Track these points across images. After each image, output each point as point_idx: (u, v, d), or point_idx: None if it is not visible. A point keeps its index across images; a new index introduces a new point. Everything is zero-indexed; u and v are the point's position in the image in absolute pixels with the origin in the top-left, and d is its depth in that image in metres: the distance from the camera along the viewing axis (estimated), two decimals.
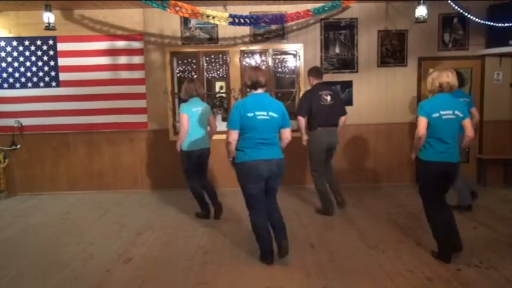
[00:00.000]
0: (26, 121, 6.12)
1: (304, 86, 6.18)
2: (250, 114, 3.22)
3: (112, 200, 5.79)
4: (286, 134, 3.44)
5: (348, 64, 6.21)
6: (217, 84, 8.23)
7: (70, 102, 6.11)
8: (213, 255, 3.68)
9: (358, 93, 6.22)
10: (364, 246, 3.80)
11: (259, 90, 3.38)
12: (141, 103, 6.15)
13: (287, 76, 7.04)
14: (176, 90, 6.26)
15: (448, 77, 3.28)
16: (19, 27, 6.05)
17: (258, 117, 3.23)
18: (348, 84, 6.22)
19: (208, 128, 4.73)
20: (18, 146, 6.18)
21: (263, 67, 6.22)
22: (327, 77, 6.19)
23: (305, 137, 4.79)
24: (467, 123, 3.32)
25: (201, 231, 4.33)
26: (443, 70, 3.33)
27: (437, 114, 3.25)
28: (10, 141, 6.14)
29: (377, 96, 6.23)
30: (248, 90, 3.46)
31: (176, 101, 6.31)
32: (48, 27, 5.25)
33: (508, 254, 3.56)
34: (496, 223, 4.40)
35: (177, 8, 4.88)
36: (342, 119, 4.84)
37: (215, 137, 4.91)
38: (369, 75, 6.21)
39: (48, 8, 5.19)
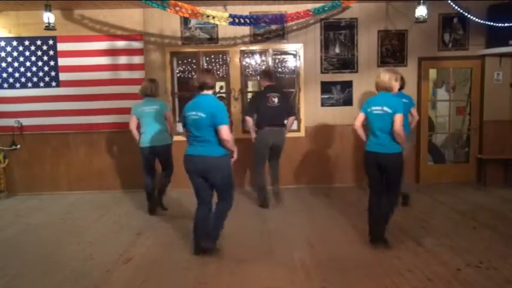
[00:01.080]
0: (26, 121, 6.12)
1: (304, 85, 6.18)
2: (186, 114, 3.54)
3: (112, 200, 5.79)
4: (220, 133, 3.44)
5: (348, 64, 6.21)
6: (217, 84, 8.21)
7: (70, 102, 6.11)
8: (213, 255, 3.67)
9: (358, 93, 6.22)
10: (364, 246, 3.79)
11: (205, 92, 3.56)
12: None
13: (287, 76, 7.03)
14: (176, 90, 6.27)
15: (379, 78, 3.68)
16: (19, 27, 6.05)
17: (190, 117, 3.51)
18: (348, 84, 6.22)
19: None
20: (18, 146, 6.18)
21: (263, 67, 6.22)
22: (327, 77, 6.21)
23: (253, 135, 5.11)
24: (395, 118, 3.56)
25: None
26: (382, 72, 3.72)
27: (369, 110, 3.69)
28: (10, 141, 6.14)
29: None
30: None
31: (176, 101, 6.31)
32: (48, 27, 5.25)
33: (508, 254, 3.56)
34: (496, 223, 4.40)
35: (177, 8, 4.88)
36: (290, 119, 5.14)
37: None
38: (369, 75, 6.19)
39: (48, 8, 5.19)
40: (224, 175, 3.56)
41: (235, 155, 3.61)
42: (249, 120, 5.06)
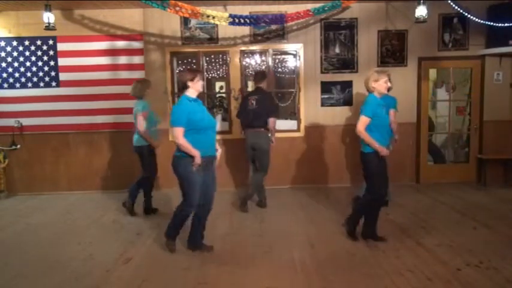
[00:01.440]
0: (26, 121, 6.12)
1: (304, 85, 6.18)
2: None
3: (112, 200, 5.79)
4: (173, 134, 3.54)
5: (348, 64, 6.21)
6: (217, 84, 8.21)
7: (70, 102, 6.11)
8: (213, 255, 3.68)
9: (358, 93, 6.21)
10: (364, 246, 3.80)
11: (185, 91, 3.57)
12: None
13: (287, 76, 7.04)
14: (176, 90, 6.26)
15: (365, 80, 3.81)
16: (19, 27, 6.05)
17: None
18: (348, 84, 6.22)
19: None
20: (18, 146, 6.18)
21: (263, 67, 6.23)
22: (327, 77, 6.21)
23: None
24: (359, 118, 3.69)
25: None
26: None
27: None
28: (10, 141, 6.14)
29: None
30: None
31: (176, 101, 6.30)
32: (48, 27, 5.25)
33: (508, 254, 3.56)
34: (496, 223, 4.40)
35: (177, 8, 4.87)
36: (269, 121, 4.98)
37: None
38: None
39: (48, 8, 5.19)
40: (179, 176, 3.57)
41: (196, 160, 3.42)
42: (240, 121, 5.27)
